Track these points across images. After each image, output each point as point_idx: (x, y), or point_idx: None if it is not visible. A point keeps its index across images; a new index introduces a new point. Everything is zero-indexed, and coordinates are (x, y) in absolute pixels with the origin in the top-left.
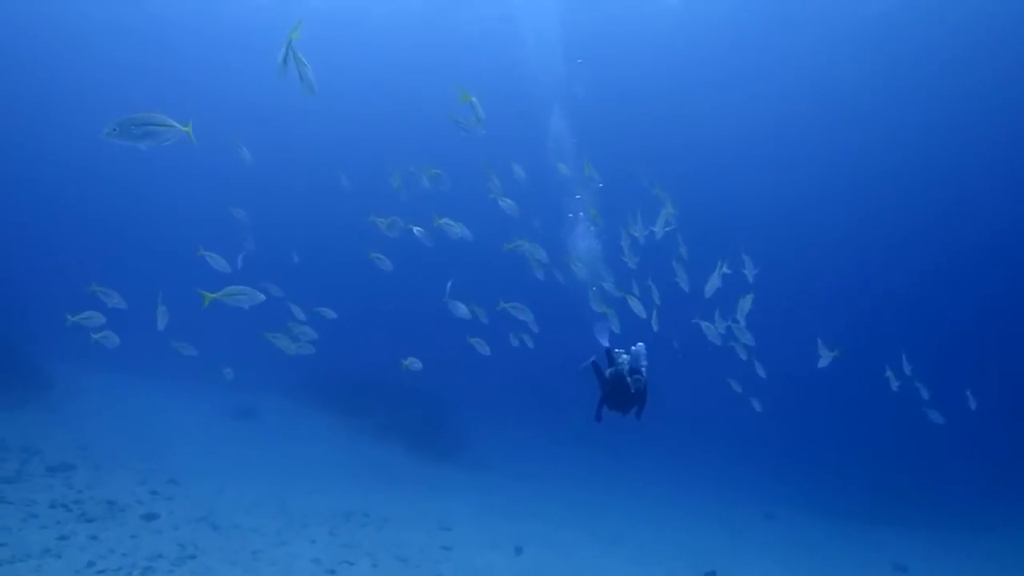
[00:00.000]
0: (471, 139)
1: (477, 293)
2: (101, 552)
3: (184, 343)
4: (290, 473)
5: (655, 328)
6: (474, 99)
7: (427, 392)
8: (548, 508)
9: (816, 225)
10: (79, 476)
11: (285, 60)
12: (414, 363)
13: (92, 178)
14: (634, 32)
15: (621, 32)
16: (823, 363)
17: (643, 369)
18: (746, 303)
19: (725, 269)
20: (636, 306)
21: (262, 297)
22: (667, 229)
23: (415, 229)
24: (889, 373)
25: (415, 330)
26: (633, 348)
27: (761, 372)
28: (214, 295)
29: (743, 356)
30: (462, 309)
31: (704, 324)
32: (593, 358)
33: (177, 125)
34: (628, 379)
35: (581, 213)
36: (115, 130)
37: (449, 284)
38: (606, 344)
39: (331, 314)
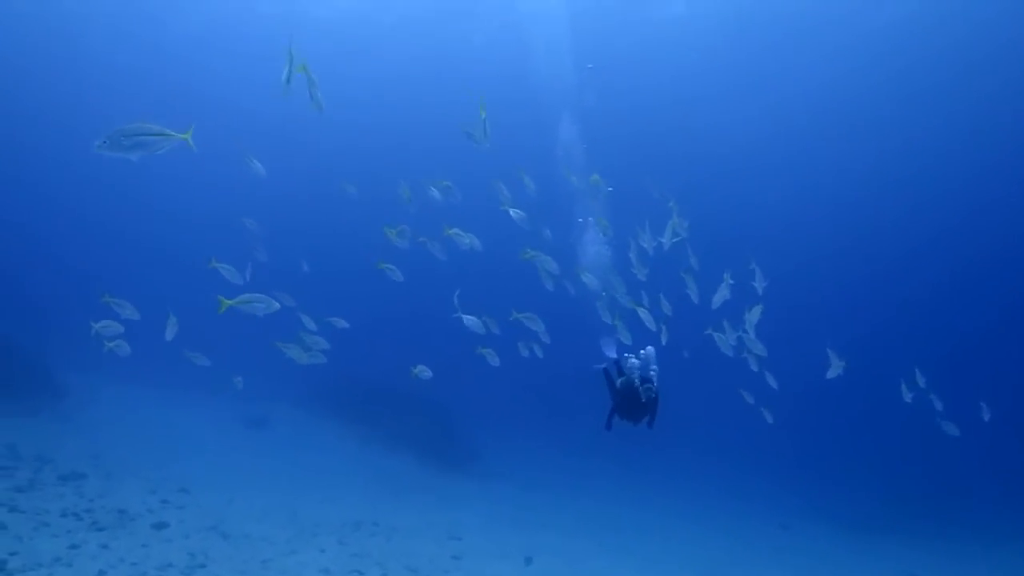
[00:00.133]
0: (480, 148)
1: (485, 302)
2: (111, 561)
3: (197, 353)
4: (300, 482)
5: (663, 342)
6: (484, 114)
7: (437, 401)
8: (558, 518)
9: (828, 234)
10: (90, 485)
11: (288, 79)
12: (423, 371)
13: (106, 189)
14: (642, 40)
15: (629, 40)
16: (831, 374)
17: (654, 377)
18: (755, 314)
19: (730, 281)
20: (646, 317)
21: (277, 306)
22: (675, 240)
23: (430, 244)
24: (903, 386)
25: (425, 339)
26: (642, 352)
27: (773, 383)
28: (231, 302)
29: (755, 368)
30: (475, 323)
31: (717, 335)
32: (604, 364)
33: (173, 134)
34: (639, 388)
35: (591, 218)
36: (104, 142)
37: (456, 296)
38: (613, 356)
39: (343, 323)
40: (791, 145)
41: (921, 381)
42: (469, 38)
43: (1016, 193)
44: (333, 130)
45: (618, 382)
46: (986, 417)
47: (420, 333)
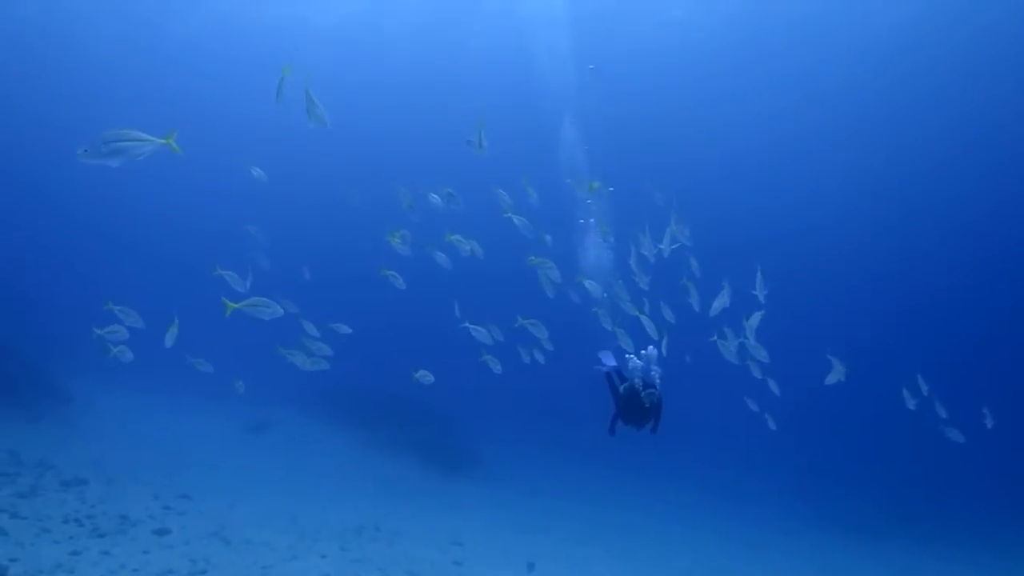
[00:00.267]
0: (481, 154)
1: (487, 307)
2: (113, 567)
3: (200, 359)
4: (301, 487)
5: (663, 352)
6: (482, 125)
7: (439, 407)
8: (561, 523)
9: (831, 240)
10: (92, 491)
11: (278, 96)
12: (425, 376)
13: (108, 195)
14: (644, 44)
15: (631, 44)
16: (831, 379)
17: (656, 382)
18: (754, 321)
19: (728, 291)
20: (647, 324)
21: (282, 311)
22: (674, 246)
23: (436, 254)
24: (906, 393)
25: (427, 344)
26: (643, 352)
27: (775, 389)
28: (237, 305)
29: (757, 375)
30: (483, 333)
31: (720, 343)
32: (607, 369)
33: (154, 139)
34: (641, 394)
35: (592, 220)
36: (84, 151)
37: (456, 306)
38: (613, 364)
39: (346, 329)
40: (793, 149)
41: (924, 388)
42: (470, 43)
43: (1022, 197)
44: (335, 136)
45: (621, 387)
46: (989, 424)
47: (423, 339)
